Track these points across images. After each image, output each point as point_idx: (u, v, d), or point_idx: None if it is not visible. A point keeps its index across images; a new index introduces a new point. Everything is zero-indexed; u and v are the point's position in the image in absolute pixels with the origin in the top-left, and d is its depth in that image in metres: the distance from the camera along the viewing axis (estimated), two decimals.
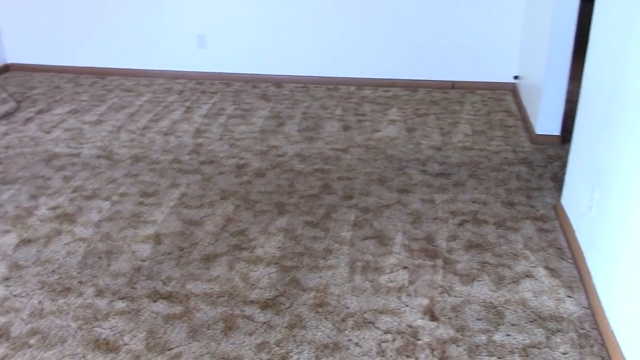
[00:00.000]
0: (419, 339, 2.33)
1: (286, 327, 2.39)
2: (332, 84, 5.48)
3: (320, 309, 2.50)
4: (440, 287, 2.64)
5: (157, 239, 3.00)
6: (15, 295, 2.57)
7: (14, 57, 5.90)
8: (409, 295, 2.59)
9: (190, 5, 5.43)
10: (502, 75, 5.27)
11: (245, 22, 5.43)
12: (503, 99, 5.08)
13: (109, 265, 2.79)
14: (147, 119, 4.63)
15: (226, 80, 5.58)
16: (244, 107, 4.88)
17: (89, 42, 5.71)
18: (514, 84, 5.25)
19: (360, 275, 2.72)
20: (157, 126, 4.47)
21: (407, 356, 2.24)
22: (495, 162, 3.86)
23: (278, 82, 5.54)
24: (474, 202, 3.37)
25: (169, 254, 2.88)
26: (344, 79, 5.48)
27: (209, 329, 2.38)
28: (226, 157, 3.94)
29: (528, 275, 2.71)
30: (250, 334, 2.35)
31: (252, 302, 2.54)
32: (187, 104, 4.96)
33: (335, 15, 5.31)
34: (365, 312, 2.48)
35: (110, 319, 2.43)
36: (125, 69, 5.73)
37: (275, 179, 3.64)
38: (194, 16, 5.46)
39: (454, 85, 5.38)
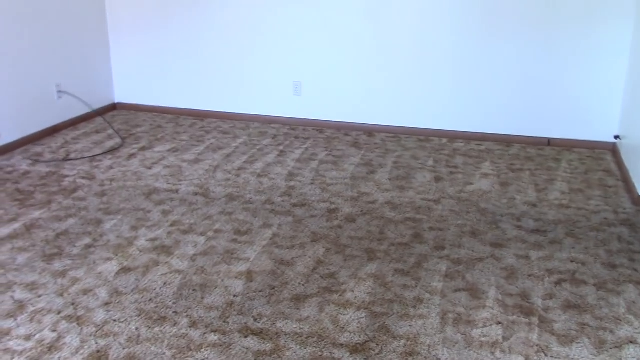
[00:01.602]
0: None
1: None
2: (423, 135, 5.49)
3: (410, 358, 2.45)
4: (537, 345, 2.54)
5: (249, 276, 3.05)
6: (114, 320, 2.67)
7: (121, 96, 6.27)
8: (503, 351, 2.50)
9: (289, 54, 5.62)
10: (601, 134, 5.12)
11: (339, 71, 5.56)
12: (602, 159, 4.91)
13: (202, 298, 2.85)
14: (242, 160, 4.77)
15: (319, 127, 5.70)
16: (336, 154, 4.95)
17: (190, 86, 5.99)
18: (614, 144, 5.09)
19: (452, 327, 2.65)
20: (251, 168, 4.60)
21: None
22: (595, 222, 3.71)
23: (370, 131, 5.60)
24: (571, 261, 3.24)
25: (260, 291, 2.92)
26: (436, 130, 5.48)
27: None
28: (317, 201, 3.99)
29: (632, 342, 2.57)
30: None
31: (341, 345, 2.52)
32: (281, 148, 5.09)
33: (428, 67, 5.36)
34: None
35: (202, 350, 2.47)
36: (223, 112, 5.96)
37: (366, 225, 3.65)
38: (291, 64, 5.65)
39: (549, 142, 5.26)
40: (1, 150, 4.83)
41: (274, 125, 5.77)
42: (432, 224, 3.68)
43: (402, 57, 5.39)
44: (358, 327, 2.64)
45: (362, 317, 2.72)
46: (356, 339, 2.56)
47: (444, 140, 5.37)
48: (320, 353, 2.47)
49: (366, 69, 5.50)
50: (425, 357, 2.45)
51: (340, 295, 2.89)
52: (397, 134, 5.53)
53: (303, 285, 2.98)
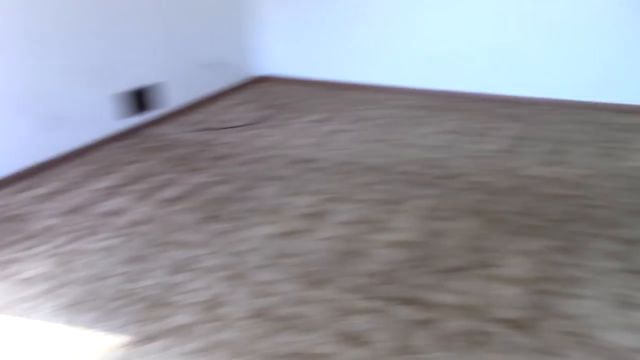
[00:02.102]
0: None
1: (536, 352, 2.26)
2: (584, 109, 5.15)
3: (575, 339, 2.32)
4: None
5: (402, 246, 3.03)
6: (274, 281, 2.76)
7: (270, 68, 6.44)
8: None
9: (445, 24, 5.48)
10: None
11: (492, 39, 5.34)
12: None
13: (357, 265, 2.88)
14: (395, 131, 4.74)
15: (474, 99, 5.53)
16: (491, 126, 4.78)
17: (340, 57, 6.03)
18: None
19: (620, 310, 2.48)
20: (403, 139, 4.56)
21: None
22: None
23: (526, 102, 5.35)
24: None
25: (414, 261, 2.89)
26: (598, 104, 5.13)
27: (455, 341, 2.33)
28: (472, 174, 3.88)
29: None
30: (497, 352, 2.26)
31: (500, 320, 2.44)
32: (434, 120, 5.00)
33: (595, 34, 5.00)
34: (628, 352, 2.25)
35: (358, 316, 2.49)
36: (373, 84, 5.95)
37: (524, 200, 3.50)
38: (446, 34, 5.51)
39: None
40: (162, 118, 5.14)
41: (424, 96, 5.68)
42: (596, 201, 3.45)
43: (564, 24, 5.07)
44: (518, 303, 2.55)
45: (521, 294, 2.61)
46: (516, 315, 2.47)
47: (609, 114, 5.01)
48: (477, 327, 2.41)
49: (522, 36, 5.24)
50: (593, 340, 2.31)
51: (498, 270, 2.80)
52: (556, 107, 5.23)
53: (458, 258, 2.91)
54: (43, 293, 2.72)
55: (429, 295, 2.62)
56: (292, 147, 4.45)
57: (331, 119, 5.09)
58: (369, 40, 5.81)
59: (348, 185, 3.77)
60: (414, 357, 2.25)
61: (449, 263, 2.86)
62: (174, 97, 5.30)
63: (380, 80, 5.89)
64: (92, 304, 2.62)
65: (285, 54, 6.30)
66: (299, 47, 6.18)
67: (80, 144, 4.45)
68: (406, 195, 3.59)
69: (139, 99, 4.91)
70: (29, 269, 2.92)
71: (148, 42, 4.93)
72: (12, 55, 3.86)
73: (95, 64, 4.47)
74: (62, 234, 3.26)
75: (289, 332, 2.40)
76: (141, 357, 2.28)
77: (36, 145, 4.12)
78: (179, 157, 4.34)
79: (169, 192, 3.74)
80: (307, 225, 3.27)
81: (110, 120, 4.69)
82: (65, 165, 4.24)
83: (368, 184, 3.77)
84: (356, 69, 5.98)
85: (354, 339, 2.35)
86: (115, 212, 3.49)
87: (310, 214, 3.39)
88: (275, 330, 2.41)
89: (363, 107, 5.40)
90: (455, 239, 3.08)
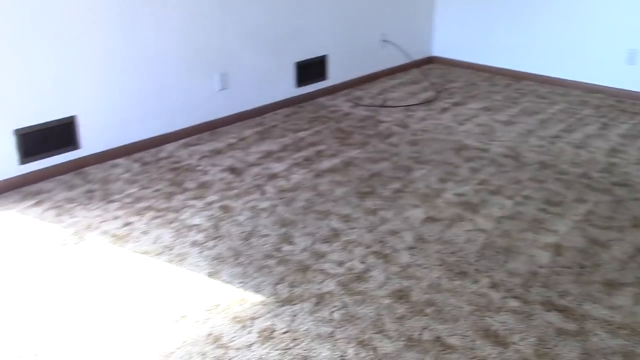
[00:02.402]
0: None
1: None
2: None
3: None
4: None
5: (557, 249, 2.89)
6: (418, 265, 2.75)
7: (439, 50, 6.33)
8: None
9: (622, 18, 5.06)
10: None
11: None
12: None
13: (505, 262, 2.78)
14: (559, 128, 4.49)
15: None
16: None
17: (509, 45, 5.79)
18: None
19: None
20: (568, 137, 4.31)
21: None
22: None
23: None
24: None
25: (568, 267, 2.74)
26: None
27: (604, 358, 2.19)
28: None
29: None
30: None
31: None
32: (604, 120, 4.67)
33: None
34: None
35: (501, 313, 2.42)
36: (541, 75, 5.66)
37: None
38: (625, 29, 5.08)
39: None
40: (328, 91, 5.26)
41: (597, 94, 5.31)
42: None
43: None
44: None
45: None
46: None
47: None
48: (632, 348, 2.24)
49: None
50: None
51: None
52: None
53: (618, 271, 2.72)
54: (196, 243, 2.92)
55: (583, 306, 2.47)
56: (456, 133, 4.37)
57: (496, 108, 4.91)
58: (542, 30, 5.50)
59: (507, 178, 3.64)
60: None
61: (610, 276, 2.68)
62: (347, 71, 5.39)
63: (551, 72, 5.57)
64: (238, 260, 2.78)
65: (456, 37, 6.15)
66: (471, 31, 6.00)
67: (254, 106, 4.69)
68: (569, 197, 3.40)
69: (313, 69, 5.05)
70: (192, 217, 3.15)
71: (329, 16, 5.04)
72: (205, 19, 4.13)
73: (277, 32, 4.66)
74: (223, 189, 3.47)
75: (427, 318, 2.38)
76: (274, 317, 2.38)
77: (216, 104, 4.40)
78: (344, 130, 4.42)
79: (328, 163, 3.84)
80: (461, 214, 3.21)
81: (284, 87, 4.88)
82: (238, 126, 4.49)
83: (529, 180, 3.61)
84: (527, 59, 5.70)
85: (494, 337, 2.28)
86: (276, 176, 3.64)
87: (466, 203, 3.32)
88: (413, 313, 2.41)
89: (528, 100, 5.15)
90: (618, 251, 2.87)
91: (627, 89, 5.20)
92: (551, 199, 3.39)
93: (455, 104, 5.03)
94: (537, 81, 5.67)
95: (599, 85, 5.35)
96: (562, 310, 2.44)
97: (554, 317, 2.40)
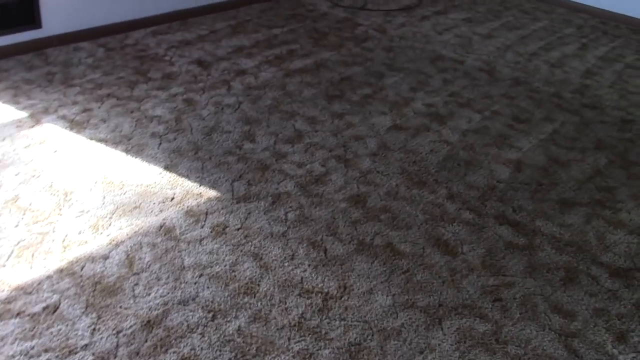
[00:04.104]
0: None
1: (633, 304, 2.13)
2: None
3: None
4: None
5: (518, 165, 2.89)
6: (378, 171, 2.74)
7: None
8: None
9: None
10: None
11: None
12: None
13: (465, 174, 2.79)
14: (538, 45, 4.41)
15: (635, 26, 5.00)
16: None
17: None
18: None
19: None
20: (546, 55, 4.24)
21: None
22: None
23: None
24: None
25: (526, 184, 2.76)
26: None
27: (548, 272, 2.24)
28: (612, 107, 3.57)
29: None
30: (591, 295, 2.15)
31: (601, 264, 2.31)
32: (584, 40, 4.59)
33: None
34: None
35: (454, 224, 2.45)
36: None
37: None
38: None
39: None
40: None
41: (582, 14, 5.20)
42: None
43: None
44: (625, 252, 2.39)
45: (633, 243, 2.44)
46: (619, 263, 2.32)
47: None
48: (576, 265, 2.29)
49: None
50: None
51: (613, 213, 2.62)
52: None
53: (574, 191, 2.75)
54: (156, 135, 2.87)
55: (535, 222, 2.51)
56: (433, 42, 4.26)
57: (478, 20, 4.79)
58: None
59: (479, 92, 3.59)
60: (502, 279, 2.19)
61: (566, 195, 2.71)
62: None
63: None
64: (197, 155, 2.74)
65: None
66: None
67: None
68: (537, 116, 3.38)
69: None
70: (154, 108, 3.08)
71: None
72: None
73: None
74: (189, 82, 3.37)
75: (380, 224, 2.40)
76: (228, 213, 2.38)
77: None
78: (320, 30, 4.29)
79: (300, 63, 3.74)
80: (428, 124, 3.18)
81: None
82: (211, 18, 4.32)
83: (500, 96, 3.57)
84: None
85: (445, 246, 2.32)
86: (245, 72, 3.55)
87: (434, 114, 3.29)
88: (368, 218, 2.42)
89: (512, 14, 5.03)
90: (577, 172, 2.89)
91: (611, 10, 5.09)
92: (519, 115, 3.37)
93: (437, 13, 4.89)
94: None
95: (585, 4, 5.23)
96: (514, 225, 2.48)
97: (505, 231, 2.44)
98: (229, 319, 1.91)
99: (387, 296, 2.06)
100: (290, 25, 4.33)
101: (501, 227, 2.46)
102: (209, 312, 1.93)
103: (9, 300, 1.91)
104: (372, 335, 1.91)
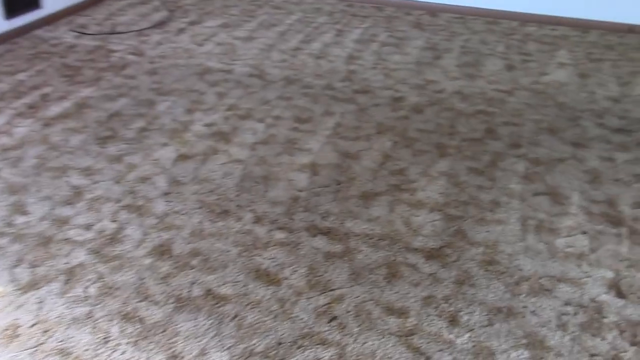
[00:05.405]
0: (604, 317, 2.08)
1: (454, 283, 2.21)
2: (491, 17, 5.06)
3: (490, 267, 2.29)
4: (627, 260, 2.35)
5: (313, 168, 2.87)
6: (175, 212, 2.54)
7: None
8: (590, 264, 2.32)
9: None
10: None
11: None
12: None
13: (266, 191, 2.70)
14: (298, 39, 4.46)
15: (378, 4, 5.29)
16: (398, 35, 4.60)
17: None
18: None
19: (534, 235, 2.47)
20: (308, 48, 4.31)
21: (593, 335, 2.01)
22: None
23: (432, 10, 5.18)
24: None
25: (326, 186, 2.75)
26: (505, 12, 5.04)
27: (371, 274, 2.24)
28: (381, 87, 3.73)
29: None
30: (415, 285, 2.19)
31: (415, 249, 2.37)
32: (338, 26, 4.75)
33: None
34: (541, 278, 2.25)
35: (269, 249, 2.35)
36: None
37: (434, 117, 3.40)
38: None
39: (631, 29, 4.80)
40: (45, 21, 4.59)
41: (329, 0, 5.38)
42: (506, 117, 3.41)
43: None
44: (432, 231, 2.48)
45: (436, 220, 2.54)
46: (431, 244, 2.40)
47: (514, 24, 4.94)
48: (393, 257, 2.32)
49: None
50: (506, 267, 2.29)
51: (411, 195, 2.71)
52: (463, 15, 5.10)
53: (371, 181, 2.79)
54: None
55: (345, 224, 2.50)
56: (196, 56, 4.10)
57: (234, 24, 4.73)
58: None
59: (255, 100, 3.52)
60: (332, 294, 2.14)
61: (365, 188, 2.74)
62: None
63: None
64: None
65: None
66: None
67: None
68: (316, 112, 3.40)
69: None
70: None
71: None
72: None
73: None
74: None
75: (194, 271, 2.22)
76: (16, 309, 2.04)
77: None
78: (71, 66, 3.89)
79: (58, 108, 3.35)
80: (214, 146, 3.03)
81: None
82: None
83: (277, 99, 3.53)
84: None
85: (266, 276, 2.21)
86: None
87: (217, 133, 3.15)
88: (179, 269, 2.22)
89: (265, 12, 5.05)
90: (368, 161, 2.95)
91: None
92: (300, 115, 3.36)
93: (192, 23, 4.73)
94: None
95: None
96: (327, 233, 2.44)
97: (320, 242, 2.39)
98: None
99: (222, 352, 1.90)
100: (36, 66, 3.88)
101: (315, 238, 2.41)
102: None
103: None
104: None
